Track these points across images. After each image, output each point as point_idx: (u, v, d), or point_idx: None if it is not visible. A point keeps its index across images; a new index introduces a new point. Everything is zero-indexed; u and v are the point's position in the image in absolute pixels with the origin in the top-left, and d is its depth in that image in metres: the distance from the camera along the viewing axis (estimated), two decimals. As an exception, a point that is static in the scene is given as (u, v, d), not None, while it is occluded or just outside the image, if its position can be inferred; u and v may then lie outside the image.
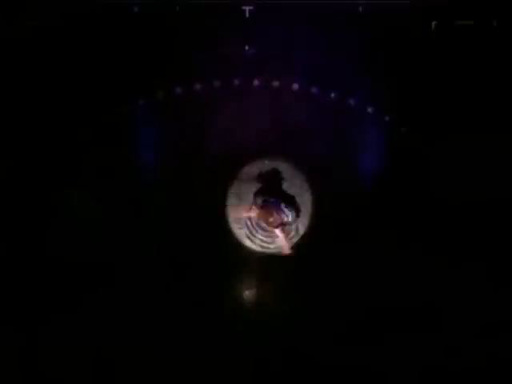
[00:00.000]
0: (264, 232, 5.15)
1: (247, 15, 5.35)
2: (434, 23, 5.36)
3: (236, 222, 5.21)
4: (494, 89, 5.28)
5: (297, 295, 5.09)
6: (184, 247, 5.11)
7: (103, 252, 5.03)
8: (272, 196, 4.75)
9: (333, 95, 5.39)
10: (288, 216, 4.72)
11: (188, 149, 5.25)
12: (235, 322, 5.00)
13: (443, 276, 5.01)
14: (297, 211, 4.86)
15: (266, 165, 5.22)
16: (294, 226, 5.10)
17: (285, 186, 5.13)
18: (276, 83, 5.41)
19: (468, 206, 5.08)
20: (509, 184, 5.14)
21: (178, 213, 5.15)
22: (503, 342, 4.87)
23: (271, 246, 5.17)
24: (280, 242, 4.91)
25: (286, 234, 4.96)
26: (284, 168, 5.23)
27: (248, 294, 5.18)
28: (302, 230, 5.17)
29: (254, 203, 4.82)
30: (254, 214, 4.90)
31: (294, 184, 5.18)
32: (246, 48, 5.42)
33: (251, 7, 5.35)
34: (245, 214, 5.09)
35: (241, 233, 5.23)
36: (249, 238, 5.21)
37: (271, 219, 4.67)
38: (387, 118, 5.35)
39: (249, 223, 5.19)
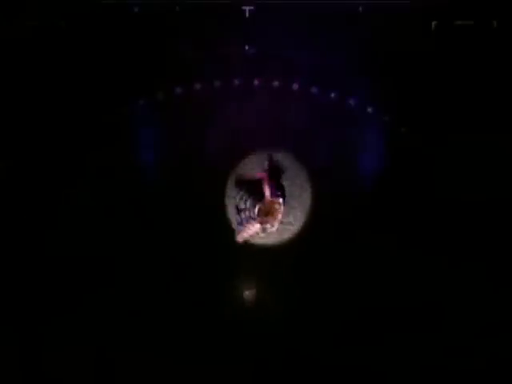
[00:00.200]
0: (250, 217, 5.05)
1: (247, 15, 5.36)
2: (434, 23, 5.37)
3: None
4: (494, 89, 5.29)
5: (297, 295, 5.09)
6: (184, 247, 5.11)
7: (103, 252, 5.03)
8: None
9: (333, 95, 5.40)
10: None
11: (188, 149, 5.25)
12: (235, 321, 5.00)
13: (443, 276, 5.01)
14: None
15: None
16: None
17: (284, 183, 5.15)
18: (276, 83, 5.41)
19: (468, 206, 5.08)
20: (509, 184, 5.14)
21: (177, 212, 5.15)
22: (503, 341, 4.87)
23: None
24: (249, 230, 4.86)
25: (263, 229, 4.88)
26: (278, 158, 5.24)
27: (248, 293, 5.18)
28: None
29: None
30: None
31: (294, 184, 5.19)
32: (246, 48, 5.43)
33: (251, 7, 5.36)
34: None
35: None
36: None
37: (271, 217, 4.69)
38: (387, 118, 5.35)
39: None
